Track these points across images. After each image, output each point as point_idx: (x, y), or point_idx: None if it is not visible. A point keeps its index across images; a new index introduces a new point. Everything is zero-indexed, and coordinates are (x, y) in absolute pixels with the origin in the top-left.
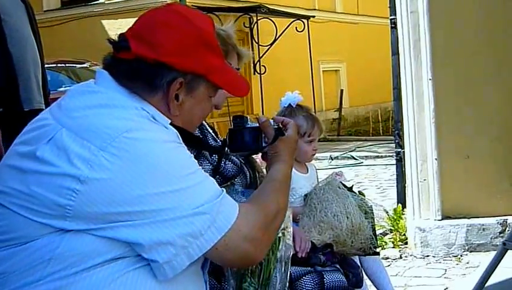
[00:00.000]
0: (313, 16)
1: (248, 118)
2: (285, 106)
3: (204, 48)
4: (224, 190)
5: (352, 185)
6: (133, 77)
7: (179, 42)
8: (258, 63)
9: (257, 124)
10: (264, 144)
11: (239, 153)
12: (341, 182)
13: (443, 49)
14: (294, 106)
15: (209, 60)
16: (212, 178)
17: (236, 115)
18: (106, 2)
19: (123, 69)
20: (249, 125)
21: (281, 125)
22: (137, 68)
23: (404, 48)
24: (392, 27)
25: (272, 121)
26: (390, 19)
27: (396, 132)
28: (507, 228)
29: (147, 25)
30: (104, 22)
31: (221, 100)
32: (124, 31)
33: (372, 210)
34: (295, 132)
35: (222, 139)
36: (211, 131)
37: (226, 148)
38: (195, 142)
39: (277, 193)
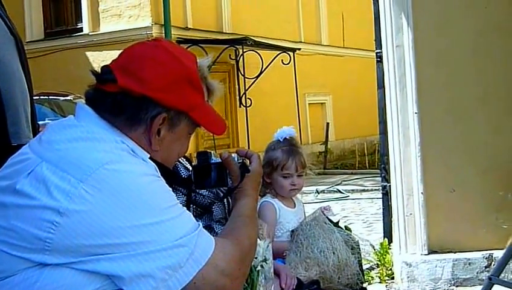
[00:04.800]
0: (299, 49)
1: (212, 153)
2: (275, 139)
3: (188, 85)
4: (201, 224)
5: (339, 220)
6: (117, 110)
7: (165, 78)
8: (244, 95)
9: (220, 160)
10: (229, 180)
11: (204, 189)
12: (327, 217)
13: (428, 82)
14: (281, 140)
15: (191, 97)
16: (188, 212)
17: (200, 151)
18: (90, 34)
19: (107, 101)
20: (213, 161)
21: (245, 159)
22: (122, 101)
23: (390, 82)
24: (377, 61)
25: (235, 155)
26: (376, 53)
27: (383, 165)
28: (493, 263)
29: (134, 59)
30: (88, 53)
31: None
32: (107, 62)
33: (358, 245)
34: (259, 165)
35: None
36: (183, 161)
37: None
38: (169, 176)
39: (247, 227)
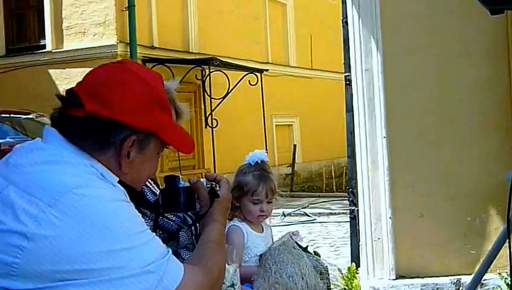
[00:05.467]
0: (267, 70)
1: (180, 177)
2: (246, 162)
3: (156, 106)
4: (170, 250)
5: (308, 245)
6: (85, 134)
7: (133, 101)
8: (210, 116)
9: (189, 185)
10: (197, 205)
11: (172, 213)
12: (296, 242)
13: (397, 107)
14: (252, 164)
15: (160, 117)
16: (158, 238)
17: (168, 175)
18: (53, 51)
19: (74, 125)
20: (181, 186)
21: (214, 184)
22: (90, 125)
23: (359, 106)
24: (346, 84)
25: (204, 180)
26: (345, 76)
27: (351, 189)
28: (461, 288)
29: (101, 83)
30: (51, 71)
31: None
32: (70, 81)
33: (327, 271)
34: (228, 190)
35: (157, 196)
36: (150, 184)
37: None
38: (136, 199)
39: (216, 254)
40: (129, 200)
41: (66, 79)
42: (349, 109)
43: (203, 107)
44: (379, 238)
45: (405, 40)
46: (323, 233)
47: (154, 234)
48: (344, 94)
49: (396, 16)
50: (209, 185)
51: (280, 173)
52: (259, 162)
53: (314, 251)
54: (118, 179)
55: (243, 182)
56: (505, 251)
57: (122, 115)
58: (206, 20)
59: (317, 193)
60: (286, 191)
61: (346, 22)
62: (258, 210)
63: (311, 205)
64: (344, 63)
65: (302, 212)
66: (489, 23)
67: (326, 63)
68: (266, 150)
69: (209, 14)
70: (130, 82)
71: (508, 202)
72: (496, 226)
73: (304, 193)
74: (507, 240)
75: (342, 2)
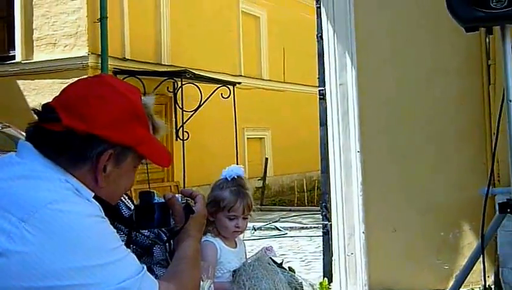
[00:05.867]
0: (239, 83)
1: (155, 193)
2: (222, 177)
3: (134, 120)
4: (145, 266)
5: (282, 261)
6: (61, 149)
7: (111, 115)
8: (181, 128)
9: (164, 200)
10: (171, 221)
11: (147, 229)
12: (271, 258)
13: (371, 121)
14: (229, 179)
15: (137, 131)
16: (133, 254)
17: (142, 190)
18: (23, 62)
19: (50, 140)
20: (156, 201)
21: (189, 199)
22: (66, 140)
23: (333, 120)
24: (320, 98)
25: (179, 196)
26: (319, 90)
27: (324, 204)
28: None
29: (78, 97)
30: (20, 82)
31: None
32: (38, 92)
33: (302, 287)
34: (203, 206)
35: (131, 211)
36: (124, 199)
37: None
38: (111, 214)
39: (191, 270)
40: (104, 216)
41: (34, 90)
42: (323, 123)
43: (174, 119)
44: (352, 253)
45: (379, 55)
46: (294, 247)
47: (129, 250)
48: (318, 108)
49: (371, 31)
50: (184, 201)
51: (251, 187)
52: (236, 177)
53: (288, 267)
54: (93, 194)
55: (220, 197)
56: (478, 266)
57: (100, 129)
58: (178, 33)
59: (289, 207)
60: (257, 205)
61: (321, 37)
62: (234, 226)
63: (282, 219)
64: (318, 77)
65: (273, 226)
66: (463, 39)
67: (299, 76)
68: (237, 163)
69: (182, 26)
70: (107, 96)
71: (482, 217)
72: (469, 241)
73: (275, 206)
74: (481, 256)
75: (317, 17)
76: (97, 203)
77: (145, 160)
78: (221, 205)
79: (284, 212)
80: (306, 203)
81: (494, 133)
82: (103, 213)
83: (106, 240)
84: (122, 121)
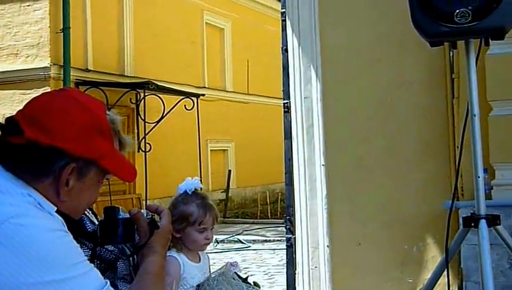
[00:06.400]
0: (203, 94)
1: (120, 208)
2: (181, 192)
3: (98, 134)
4: (108, 282)
5: (248, 276)
6: (23, 162)
7: (74, 128)
8: (144, 140)
9: (129, 216)
10: (136, 236)
11: (111, 245)
12: (235, 273)
13: (336, 135)
14: (190, 193)
15: (101, 145)
16: (96, 269)
17: (107, 206)
18: None
19: (12, 153)
20: (121, 217)
21: (155, 215)
22: (29, 153)
23: (298, 133)
24: (285, 111)
25: (144, 211)
26: (284, 103)
27: (288, 217)
28: None
29: (42, 110)
30: None
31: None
32: (0, 102)
33: None
34: (168, 222)
35: (96, 226)
36: (88, 213)
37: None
38: (75, 228)
39: (155, 286)
40: (67, 230)
41: None
42: (288, 136)
43: (136, 131)
44: (316, 267)
45: (344, 68)
46: (257, 260)
47: (93, 265)
48: (282, 121)
49: (336, 44)
50: (149, 217)
51: (214, 199)
52: (195, 190)
53: (253, 282)
54: (55, 208)
55: (187, 212)
56: (442, 279)
57: (62, 142)
58: (142, 44)
59: (252, 220)
60: (220, 217)
61: (286, 50)
62: (204, 238)
63: (246, 232)
64: (283, 90)
65: (236, 239)
66: (427, 53)
67: (263, 88)
68: (200, 175)
69: (146, 37)
70: (71, 109)
71: (447, 231)
72: (433, 255)
73: (237, 219)
74: (445, 269)
75: (282, 30)
76: (60, 218)
77: (109, 175)
78: (191, 219)
79: (247, 225)
80: (269, 216)
81: (457, 147)
82: (66, 227)
83: (68, 255)
84: (85, 135)
